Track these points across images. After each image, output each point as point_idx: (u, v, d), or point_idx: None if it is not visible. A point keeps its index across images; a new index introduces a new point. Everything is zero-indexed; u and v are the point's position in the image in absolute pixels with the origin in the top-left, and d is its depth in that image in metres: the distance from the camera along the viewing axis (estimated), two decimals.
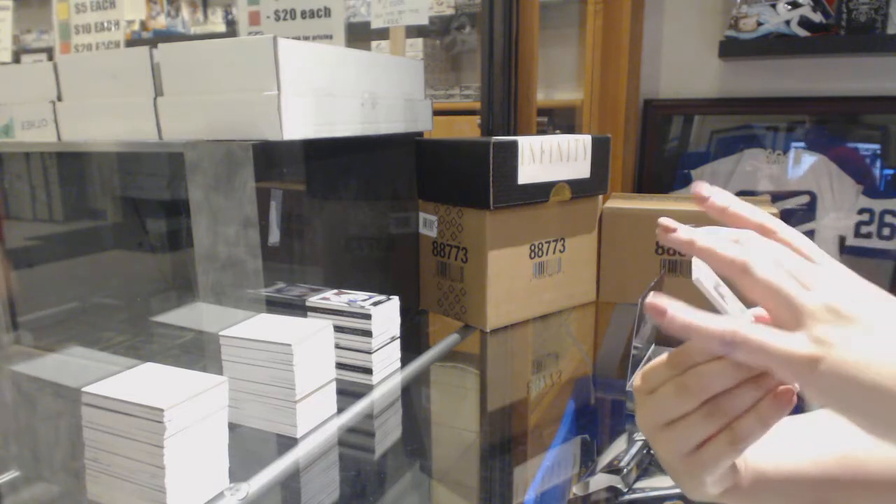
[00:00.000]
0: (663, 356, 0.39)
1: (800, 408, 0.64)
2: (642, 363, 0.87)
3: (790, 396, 0.36)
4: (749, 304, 0.38)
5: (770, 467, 0.43)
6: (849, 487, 0.43)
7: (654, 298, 0.35)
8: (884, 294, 0.35)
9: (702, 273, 0.38)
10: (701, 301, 0.37)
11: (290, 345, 0.68)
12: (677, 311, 0.35)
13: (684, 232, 0.37)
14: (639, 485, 0.62)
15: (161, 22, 3.19)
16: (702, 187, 0.39)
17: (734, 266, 0.36)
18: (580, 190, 1.12)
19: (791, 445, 0.44)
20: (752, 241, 0.37)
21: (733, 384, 0.36)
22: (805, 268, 0.36)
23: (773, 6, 1.50)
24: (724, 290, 0.39)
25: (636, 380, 0.41)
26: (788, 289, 0.35)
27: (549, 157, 1.06)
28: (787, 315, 0.34)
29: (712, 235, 0.37)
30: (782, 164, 1.64)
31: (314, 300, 0.83)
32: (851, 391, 0.32)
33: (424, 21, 1.19)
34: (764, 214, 0.39)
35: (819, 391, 0.33)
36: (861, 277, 0.36)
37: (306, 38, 1.10)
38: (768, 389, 0.36)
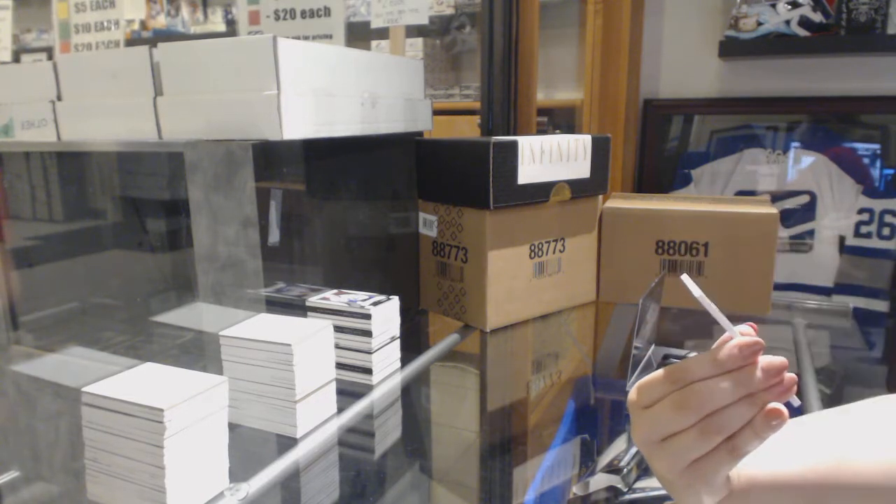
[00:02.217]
0: (659, 372, 0.39)
1: (800, 410, 0.64)
2: (642, 363, 0.87)
3: (780, 413, 0.36)
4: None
5: (761, 474, 0.43)
6: (842, 492, 0.42)
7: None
8: None
9: (696, 290, 0.40)
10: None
11: (290, 345, 0.68)
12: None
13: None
14: (639, 485, 0.62)
15: (161, 21, 3.19)
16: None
17: None
18: (580, 190, 1.12)
19: (782, 450, 0.44)
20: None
21: (731, 401, 0.37)
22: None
23: (773, 6, 1.50)
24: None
25: (631, 394, 0.41)
26: None
27: (549, 157, 1.06)
28: None
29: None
30: (782, 163, 1.64)
31: (314, 300, 0.83)
32: None
33: (424, 21, 1.19)
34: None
35: None
36: None
37: (306, 38, 1.10)
38: (763, 405, 0.37)
